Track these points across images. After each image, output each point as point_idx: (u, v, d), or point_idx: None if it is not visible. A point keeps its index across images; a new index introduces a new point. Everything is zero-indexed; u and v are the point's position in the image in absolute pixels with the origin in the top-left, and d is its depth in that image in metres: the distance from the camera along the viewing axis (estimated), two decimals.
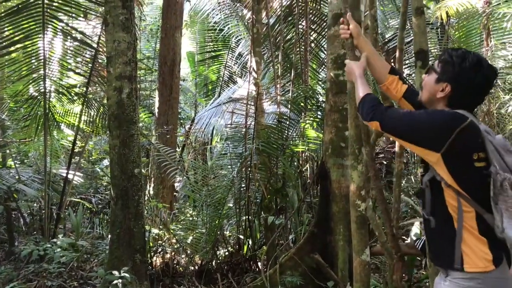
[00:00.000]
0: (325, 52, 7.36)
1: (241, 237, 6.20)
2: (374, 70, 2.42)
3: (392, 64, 8.59)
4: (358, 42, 2.47)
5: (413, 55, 3.32)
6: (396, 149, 3.95)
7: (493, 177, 1.80)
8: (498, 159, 1.83)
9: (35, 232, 6.80)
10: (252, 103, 7.05)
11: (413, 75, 8.25)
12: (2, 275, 5.03)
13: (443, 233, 1.96)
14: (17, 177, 6.80)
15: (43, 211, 6.51)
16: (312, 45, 8.92)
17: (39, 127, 7.11)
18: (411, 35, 7.47)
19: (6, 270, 5.26)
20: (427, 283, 4.69)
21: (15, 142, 8.53)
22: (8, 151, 8.48)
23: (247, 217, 6.07)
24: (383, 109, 2.05)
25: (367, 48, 2.44)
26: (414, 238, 5.16)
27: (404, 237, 5.78)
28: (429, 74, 2.06)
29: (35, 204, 7.54)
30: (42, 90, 6.74)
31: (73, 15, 6.84)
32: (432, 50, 9.06)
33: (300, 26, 8.31)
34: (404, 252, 3.76)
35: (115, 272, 4.49)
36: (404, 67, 7.00)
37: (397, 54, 3.54)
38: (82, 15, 6.89)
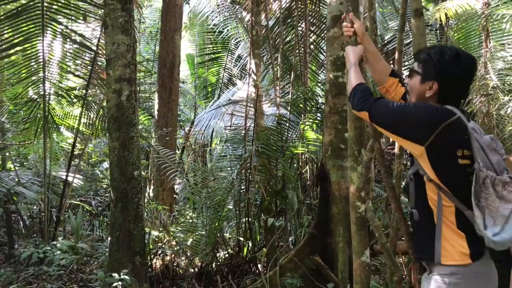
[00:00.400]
0: (325, 54, 7.38)
1: (241, 239, 6.19)
2: (374, 72, 2.42)
3: (392, 65, 8.62)
4: (362, 41, 2.46)
5: (412, 56, 3.33)
6: (396, 150, 3.95)
7: (476, 173, 1.81)
8: (482, 157, 1.84)
9: (34, 235, 6.79)
10: (252, 105, 7.05)
11: None
12: (2, 277, 5.03)
13: (424, 227, 1.99)
14: (16, 179, 6.80)
15: (43, 214, 6.51)
16: (312, 47, 8.94)
17: (39, 130, 7.10)
18: (410, 36, 7.48)
19: (6, 273, 5.26)
20: None
21: (15, 145, 8.53)
22: (7, 153, 8.47)
23: (247, 219, 6.07)
24: (373, 100, 2.05)
25: (370, 48, 2.44)
26: None
27: (403, 238, 5.77)
28: (411, 77, 2.08)
29: (34, 207, 7.54)
30: (42, 93, 6.74)
31: (73, 17, 6.85)
32: None
33: (299, 28, 8.32)
34: (403, 251, 3.76)
35: (115, 275, 4.48)
36: (403, 68, 7.01)
37: (396, 55, 3.55)
38: (81, 18, 6.90)
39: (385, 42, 9.72)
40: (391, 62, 8.32)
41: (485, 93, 7.90)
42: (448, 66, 1.96)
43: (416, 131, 1.92)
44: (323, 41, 8.46)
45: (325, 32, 5.74)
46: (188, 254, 6.00)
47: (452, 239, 1.89)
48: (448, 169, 1.90)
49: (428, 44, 4.92)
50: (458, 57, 1.98)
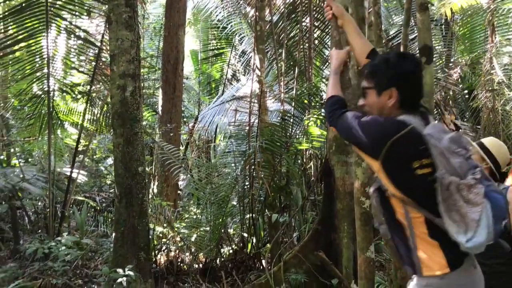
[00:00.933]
0: (329, 49, 7.34)
1: (245, 235, 6.20)
2: (354, 50, 2.40)
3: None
4: (342, 22, 2.45)
5: (417, 51, 3.31)
6: None
7: (440, 181, 1.76)
8: (443, 163, 1.77)
9: (39, 230, 6.82)
10: (256, 101, 7.04)
11: None
12: (7, 273, 5.05)
13: (398, 241, 1.96)
14: (21, 176, 6.81)
15: (48, 210, 6.53)
16: (316, 42, 8.90)
17: (43, 126, 7.12)
18: (415, 31, 7.44)
19: (12, 268, 5.28)
20: None
21: (20, 141, 8.55)
22: (12, 150, 8.51)
23: (251, 215, 6.07)
24: (338, 115, 2.05)
25: (349, 28, 2.41)
26: None
27: None
28: (366, 97, 2.02)
29: (39, 203, 7.57)
30: (46, 89, 6.74)
31: (77, 13, 6.85)
32: (436, 47, 9.03)
33: (303, 23, 8.29)
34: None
35: (120, 270, 4.50)
36: None
37: (401, 50, 3.53)
38: (85, 14, 6.90)
39: (390, 37, 9.65)
40: None
41: (490, 88, 7.86)
42: (398, 68, 1.94)
43: (370, 147, 1.90)
44: (328, 36, 8.42)
45: (330, 27, 5.71)
46: (193, 250, 6.01)
47: (427, 249, 1.85)
48: (407, 182, 1.86)
49: (432, 39, 4.89)
50: (403, 56, 1.98)
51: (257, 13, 7.46)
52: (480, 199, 1.72)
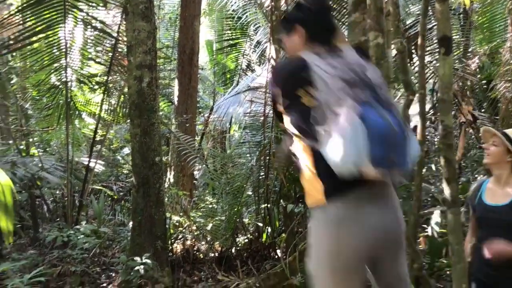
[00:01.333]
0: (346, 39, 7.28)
1: (260, 224, 6.23)
2: None
3: (414, 50, 8.42)
4: None
5: (434, 41, 3.28)
6: (418, 136, 3.91)
7: (316, 103, 1.78)
8: (321, 85, 1.79)
9: (58, 219, 6.94)
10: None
11: (433, 62, 8.11)
12: (28, 260, 5.17)
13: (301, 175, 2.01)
14: (40, 165, 6.92)
15: (66, 198, 6.64)
16: None
17: (61, 116, 7.22)
18: (433, 21, 7.33)
19: (32, 256, 5.40)
20: (447, 272, 4.67)
21: (38, 131, 8.67)
22: (31, 139, 8.64)
23: (266, 205, 6.09)
24: None
25: None
26: (435, 227, 5.13)
27: (424, 225, 5.73)
28: (283, 43, 2.15)
29: (58, 192, 7.68)
30: (64, 80, 6.83)
31: (93, 4, 6.89)
32: (455, 37, 8.88)
33: None
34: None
35: (137, 258, 4.58)
36: (426, 53, 6.86)
37: (419, 41, 3.50)
38: (102, 4, 6.94)
39: (407, 27, 9.54)
40: (414, 47, 8.17)
41: (509, 78, 7.73)
42: (297, 9, 2.09)
43: (279, 90, 1.97)
44: (343, 26, 8.34)
45: (346, 17, 5.67)
46: (208, 239, 6.07)
47: (312, 180, 1.87)
48: (298, 112, 1.87)
49: (452, 30, 4.81)
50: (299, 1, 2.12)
51: (272, 3, 7.42)
52: (346, 112, 1.70)
